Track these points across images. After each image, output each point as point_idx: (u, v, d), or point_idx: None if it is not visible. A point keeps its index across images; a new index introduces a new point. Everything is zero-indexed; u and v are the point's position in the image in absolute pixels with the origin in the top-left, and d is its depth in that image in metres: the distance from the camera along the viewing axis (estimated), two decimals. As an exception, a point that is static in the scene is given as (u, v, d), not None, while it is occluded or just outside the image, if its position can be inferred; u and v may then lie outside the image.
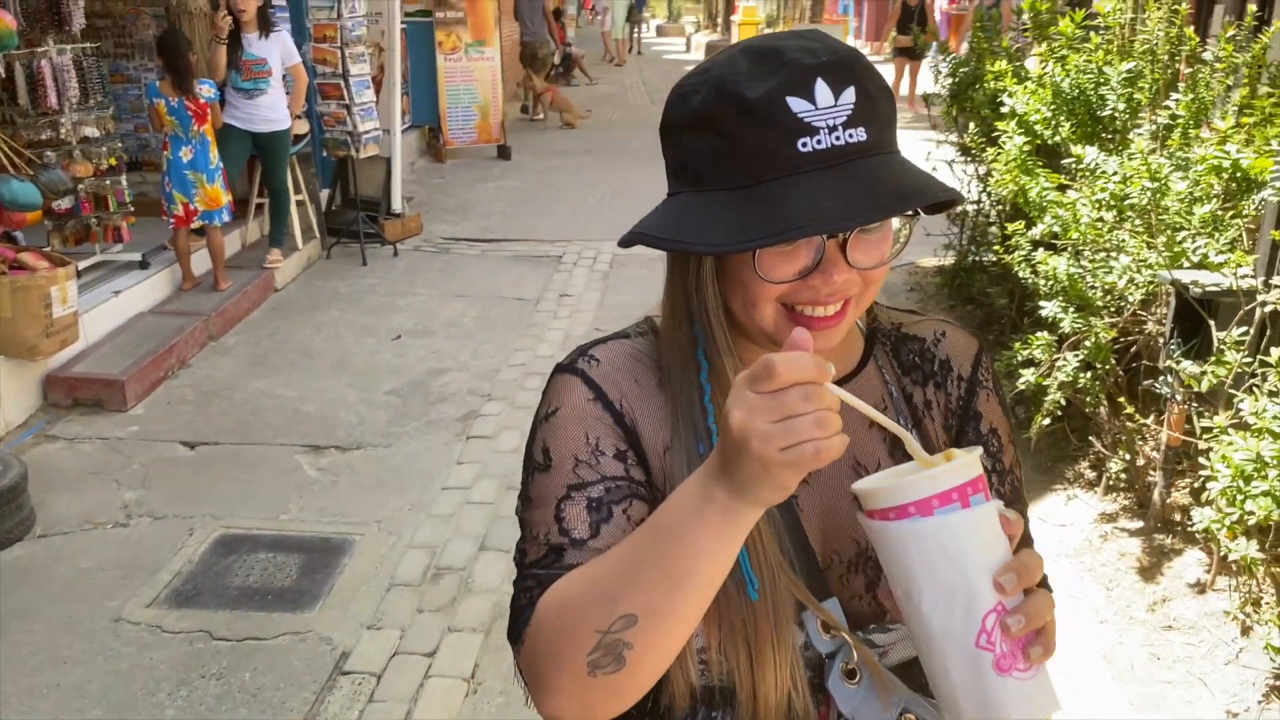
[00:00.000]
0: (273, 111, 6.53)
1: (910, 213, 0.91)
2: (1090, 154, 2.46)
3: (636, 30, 24.79)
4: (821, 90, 0.86)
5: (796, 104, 0.86)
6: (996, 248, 2.94)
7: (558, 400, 1.00)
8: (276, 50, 6.51)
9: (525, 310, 6.52)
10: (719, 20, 30.73)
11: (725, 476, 0.77)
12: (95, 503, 4.11)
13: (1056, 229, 2.52)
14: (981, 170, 3.83)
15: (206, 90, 5.76)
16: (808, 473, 0.75)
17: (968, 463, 0.75)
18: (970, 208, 4.61)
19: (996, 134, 2.88)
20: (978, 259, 4.07)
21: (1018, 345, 2.84)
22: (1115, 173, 2.32)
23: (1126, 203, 2.32)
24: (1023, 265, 2.78)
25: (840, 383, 0.90)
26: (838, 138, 0.86)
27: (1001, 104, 2.93)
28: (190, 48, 5.82)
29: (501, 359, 5.68)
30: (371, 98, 7.36)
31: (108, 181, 5.73)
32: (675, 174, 0.96)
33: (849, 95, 0.87)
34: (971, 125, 3.44)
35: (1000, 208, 4.01)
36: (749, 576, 0.92)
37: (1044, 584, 0.90)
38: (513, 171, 11.03)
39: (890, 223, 0.93)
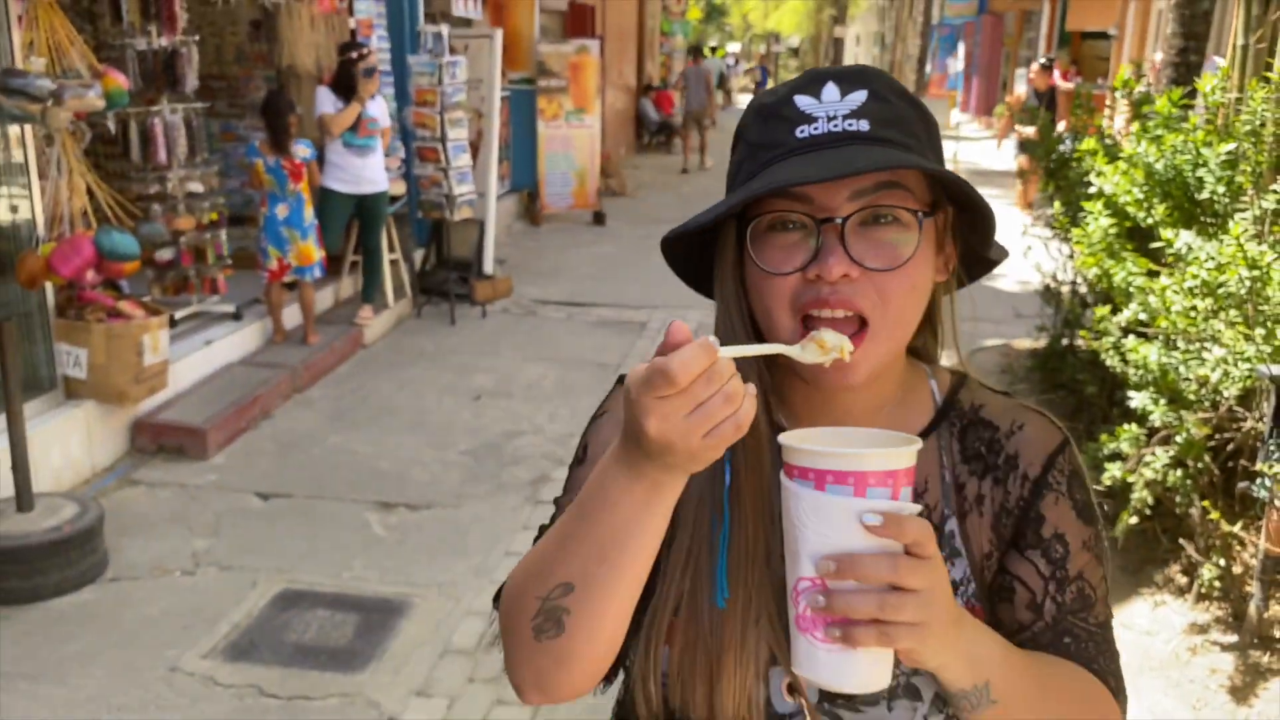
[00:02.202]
0: (378, 172, 6.70)
1: (914, 210, 0.90)
2: (1183, 238, 2.31)
3: (726, 99, 25.32)
4: (829, 90, 0.91)
5: (802, 100, 0.91)
6: (1084, 333, 2.79)
7: (607, 404, 1.08)
8: (381, 111, 6.70)
9: (605, 375, 6.48)
10: (823, 93, 30.78)
11: (648, 463, 0.80)
12: (167, 549, 4.16)
13: (1143, 316, 2.36)
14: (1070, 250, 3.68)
15: (303, 150, 5.94)
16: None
17: (837, 456, 0.80)
18: (1064, 289, 4.44)
19: (1083, 214, 2.74)
20: (1070, 343, 3.89)
21: (1104, 437, 2.67)
22: (1210, 259, 2.17)
23: (1222, 291, 2.16)
24: (1111, 353, 2.62)
25: None
26: (835, 125, 0.89)
27: (1089, 183, 2.79)
28: (293, 110, 6.02)
29: (577, 424, 5.61)
30: (468, 162, 7.51)
31: (208, 235, 5.93)
32: (730, 185, 1.00)
33: (859, 95, 0.91)
34: (1057, 203, 3.30)
35: (1092, 291, 3.84)
36: (721, 583, 0.92)
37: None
38: (606, 237, 11.13)
39: (905, 227, 0.90)
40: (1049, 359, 3.89)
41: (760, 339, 0.95)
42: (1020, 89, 26.28)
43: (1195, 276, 2.17)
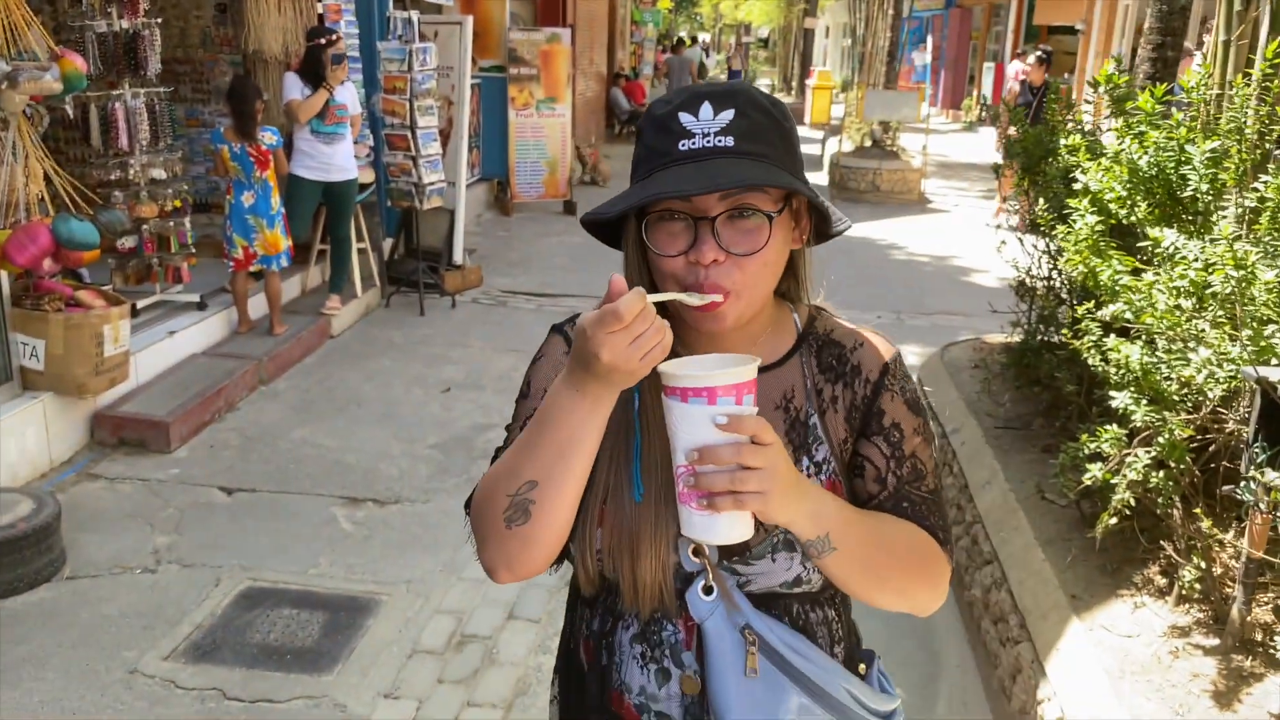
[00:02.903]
0: (347, 159, 6.57)
1: (766, 211, 1.16)
2: (1169, 237, 2.27)
3: None
4: (705, 108, 1.16)
5: (684, 117, 1.17)
6: (1065, 331, 2.75)
7: (543, 350, 1.35)
8: (350, 97, 6.58)
9: (577, 368, 6.42)
10: (794, 83, 30.84)
11: (593, 382, 1.07)
12: (127, 546, 4.05)
13: (1128, 314, 2.32)
14: (1053, 247, 3.64)
15: (269, 138, 5.81)
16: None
17: (693, 377, 1.07)
18: (1039, 284, 4.41)
19: (1068, 211, 2.70)
20: (1046, 339, 3.86)
21: (1084, 437, 2.64)
22: (1197, 259, 2.13)
23: (1208, 291, 2.13)
24: (1092, 352, 2.58)
25: (763, 370, 1.21)
26: (708, 141, 1.15)
27: (1075, 180, 2.75)
28: (259, 96, 5.89)
29: (549, 417, 5.56)
30: (438, 150, 7.40)
31: (171, 223, 5.79)
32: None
33: (728, 114, 1.16)
34: (1041, 200, 3.27)
35: (1070, 287, 3.81)
36: (637, 483, 1.21)
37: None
38: (577, 227, 10.91)
39: (766, 221, 1.16)
40: (1024, 355, 3.86)
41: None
42: (989, 83, 26.30)
43: (1183, 276, 2.14)
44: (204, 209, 7.77)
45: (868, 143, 13.93)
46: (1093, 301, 2.78)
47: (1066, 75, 24.10)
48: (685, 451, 1.08)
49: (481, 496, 1.19)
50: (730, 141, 1.15)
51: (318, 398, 5.73)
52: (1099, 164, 2.67)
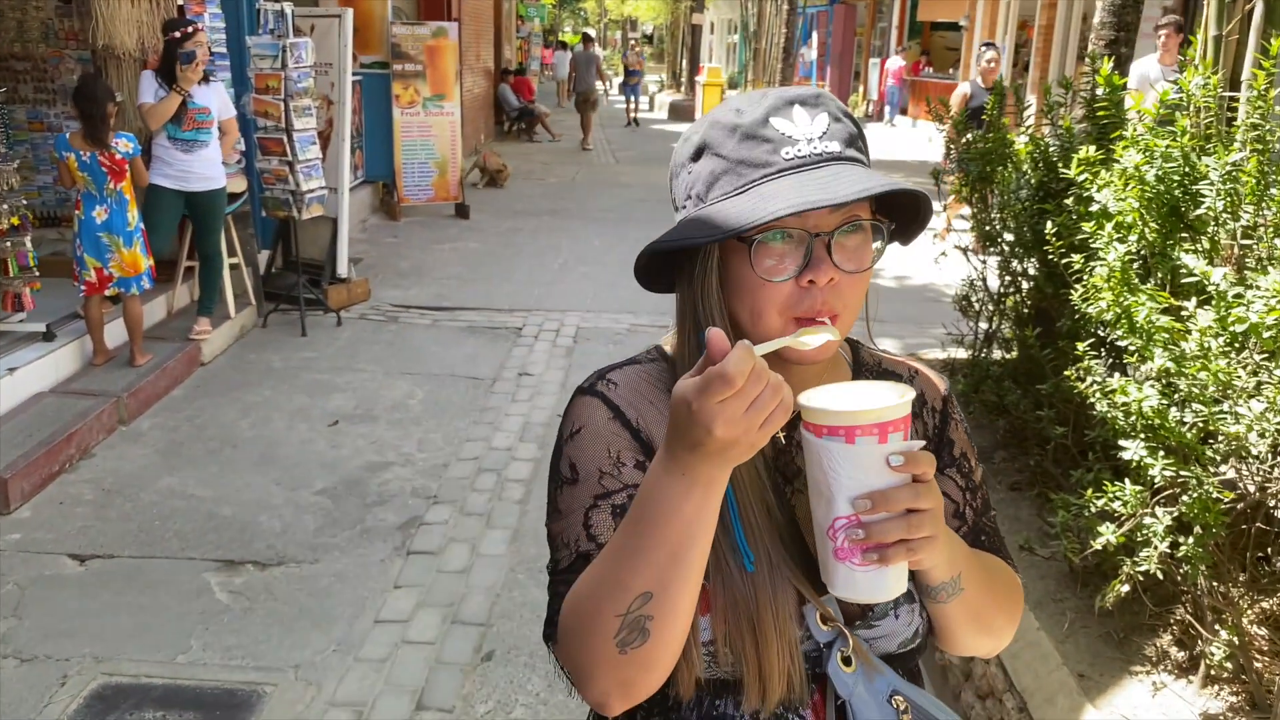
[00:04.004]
0: (211, 168, 5.91)
1: (882, 222, 1.07)
2: (1217, 274, 1.92)
3: (634, 100, 24.99)
4: (799, 113, 1.05)
5: (779, 123, 1.05)
6: (1069, 373, 2.38)
7: (580, 420, 1.12)
8: (216, 101, 5.92)
9: (480, 391, 5.90)
10: (683, 80, 30.63)
11: (707, 462, 0.89)
12: (-47, 637, 3.40)
13: (1168, 363, 1.97)
14: (1019, 266, 3.31)
15: (124, 145, 5.13)
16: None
17: (861, 413, 0.93)
18: (975, 300, 4.10)
19: (1083, 237, 2.34)
20: (999, 363, 3.53)
21: (1089, 493, 2.28)
22: (1260, 298, 1.77)
23: (1269, 336, 1.77)
24: (1098, 397, 2.22)
25: None
26: (814, 147, 1.04)
27: (1090, 198, 2.38)
28: (112, 97, 5.20)
29: (451, 451, 5.05)
30: (317, 155, 6.77)
31: (9, 243, 5.07)
32: (681, 204, 1.12)
33: (823, 119, 1.06)
34: (1001, 214, 2.92)
35: (1024, 309, 3.49)
36: (745, 551, 1.05)
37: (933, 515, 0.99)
38: (471, 232, 10.47)
39: (869, 233, 1.06)
40: (979, 380, 3.52)
41: (737, 336, 1.05)
42: (874, 79, 26.57)
43: (1241, 320, 1.78)
44: (54, 223, 6.99)
45: (765, 140, 13.69)
46: (1094, 343, 2.43)
47: (951, 70, 24.48)
48: (852, 500, 0.94)
49: (579, 623, 1.00)
50: (836, 147, 1.05)
51: (187, 438, 5.09)
52: (1121, 177, 2.30)
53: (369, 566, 3.95)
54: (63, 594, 3.71)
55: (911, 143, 21.38)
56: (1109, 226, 2.18)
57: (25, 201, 5.28)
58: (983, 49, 8.62)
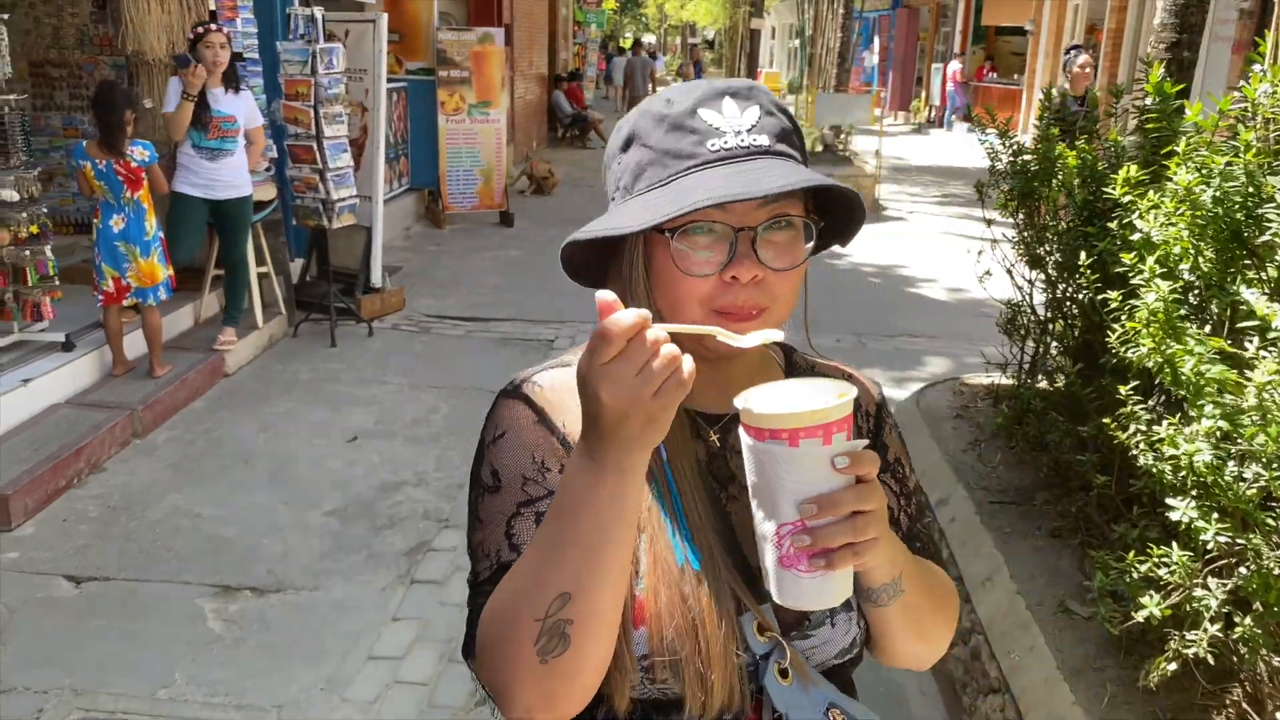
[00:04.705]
0: (236, 175, 5.80)
1: (812, 220, 1.02)
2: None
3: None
4: (729, 105, 1.02)
5: (707, 114, 1.01)
6: (1108, 421, 2.10)
7: (504, 424, 1.06)
8: (243, 108, 5.80)
9: (505, 408, 5.71)
10: (741, 86, 30.33)
11: (609, 442, 0.85)
12: (-66, 663, 3.28)
13: (1220, 422, 1.68)
14: (1064, 289, 3.02)
15: (139, 153, 5.03)
16: (739, 488, 0.99)
17: (806, 414, 0.87)
18: (1020, 323, 3.80)
19: (1122, 269, 2.05)
20: (1043, 394, 3.23)
21: (1132, 557, 2.00)
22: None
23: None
24: (1141, 447, 1.94)
25: None
26: (742, 139, 1.00)
27: (1130, 225, 2.09)
28: (131, 104, 5.10)
29: (468, 470, 4.83)
30: (348, 163, 6.63)
31: (27, 251, 4.99)
32: (611, 194, 1.09)
33: (754, 112, 1.02)
34: (1053, 234, 2.64)
35: (1071, 338, 3.19)
36: (691, 548, 1.00)
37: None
38: (513, 240, 10.32)
39: (800, 231, 1.02)
40: (1021, 413, 3.23)
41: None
42: (937, 84, 26.00)
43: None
44: (87, 230, 6.94)
45: (819, 147, 13.37)
46: (1138, 378, 2.14)
47: (1016, 76, 23.84)
48: (798, 504, 0.90)
49: (498, 631, 0.94)
50: (765, 140, 1.02)
51: (201, 453, 4.96)
52: (1172, 199, 2.01)
53: (369, 596, 3.76)
54: (52, 618, 3.58)
55: (970, 149, 20.91)
56: (1151, 260, 1.89)
57: (47, 209, 5.21)
58: (1072, 52, 7.83)
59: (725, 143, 1.00)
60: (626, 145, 1.06)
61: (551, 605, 0.89)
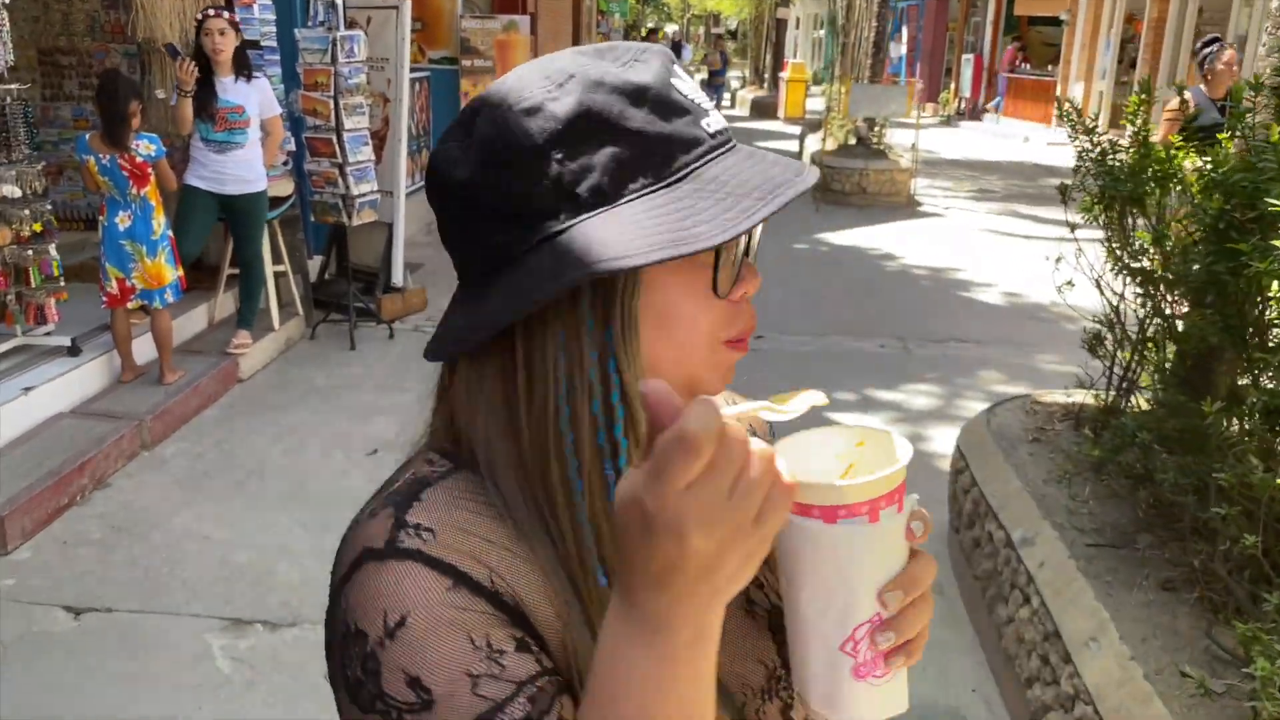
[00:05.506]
0: (248, 170, 5.49)
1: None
2: None
3: (716, 98, 24.23)
4: (679, 70, 0.77)
5: (683, 86, 0.76)
6: (1228, 477, 1.76)
7: (400, 606, 0.67)
8: (255, 98, 5.49)
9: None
10: (765, 76, 29.91)
11: (687, 602, 0.58)
12: (-84, 708, 3.00)
13: None
14: (1173, 309, 2.68)
15: (145, 147, 4.72)
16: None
17: (889, 477, 0.67)
18: (1112, 341, 3.45)
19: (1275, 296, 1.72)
20: (1142, 423, 2.87)
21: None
22: None
23: None
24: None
25: None
26: (719, 118, 0.78)
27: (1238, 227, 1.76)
28: (136, 95, 4.79)
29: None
30: (369, 157, 6.32)
31: (30, 251, 4.70)
32: (550, 212, 0.71)
33: (693, 80, 0.79)
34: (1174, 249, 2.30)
35: (1183, 363, 2.83)
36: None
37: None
38: (538, 236, 9.98)
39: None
40: (1118, 447, 2.88)
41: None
42: (968, 75, 25.51)
43: None
44: (95, 225, 6.66)
45: (852, 140, 12.97)
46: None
47: (1050, 68, 23.30)
48: (881, 595, 0.69)
49: None
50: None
51: (212, 467, 4.67)
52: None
53: (390, 633, 3.45)
54: (47, 656, 3.29)
55: (1001, 141, 20.41)
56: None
57: (54, 204, 4.92)
58: (1215, 47, 6.28)
59: (713, 124, 0.76)
60: (580, 135, 0.72)
61: None
